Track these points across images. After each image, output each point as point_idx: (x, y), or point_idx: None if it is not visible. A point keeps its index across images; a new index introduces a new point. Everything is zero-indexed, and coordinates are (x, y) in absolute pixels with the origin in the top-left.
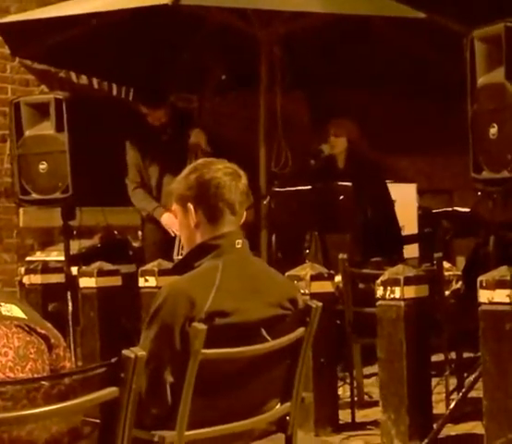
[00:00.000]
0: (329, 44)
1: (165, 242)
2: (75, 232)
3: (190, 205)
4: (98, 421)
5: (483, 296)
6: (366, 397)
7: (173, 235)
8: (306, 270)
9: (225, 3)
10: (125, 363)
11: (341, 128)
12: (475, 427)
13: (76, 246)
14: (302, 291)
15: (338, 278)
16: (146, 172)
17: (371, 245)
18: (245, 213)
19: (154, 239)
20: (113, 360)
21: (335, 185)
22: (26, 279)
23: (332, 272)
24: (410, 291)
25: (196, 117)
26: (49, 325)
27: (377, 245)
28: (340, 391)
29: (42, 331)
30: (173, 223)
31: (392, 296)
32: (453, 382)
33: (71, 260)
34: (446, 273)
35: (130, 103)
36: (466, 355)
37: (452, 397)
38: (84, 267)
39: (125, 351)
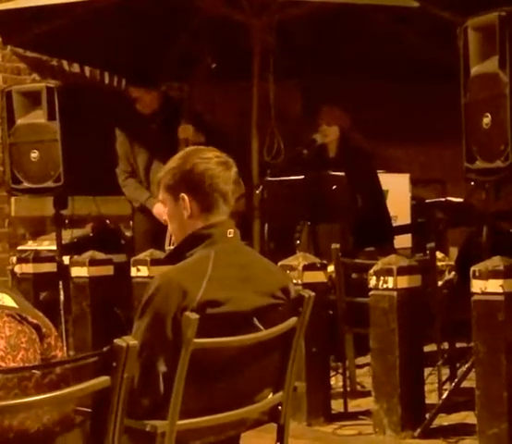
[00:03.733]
0: (322, 33)
1: (155, 232)
2: (67, 221)
3: (185, 196)
4: (90, 410)
5: (476, 286)
6: (358, 387)
7: (165, 224)
8: (298, 260)
9: None
10: (117, 352)
11: (333, 116)
12: (467, 417)
13: (68, 235)
14: (295, 281)
15: (331, 268)
16: (135, 161)
17: (361, 234)
18: (235, 201)
19: (144, 228)
20: (105, 349)
21: (328, 174)
22: (18, 269)
23: (324, 262)
24: (403, 281)
25: (186, 105)
26: (40, 314)
27: (367, 234)
28: (333, 381)
29: (34, 320)
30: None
31: (385, 286)
32: (445, 372)
33: (63, 249)
34: (439, 263)
35: (122, 91)
36: (458, 345)
37: (444, 387)
38: (76, 257)
39: (117, 341)
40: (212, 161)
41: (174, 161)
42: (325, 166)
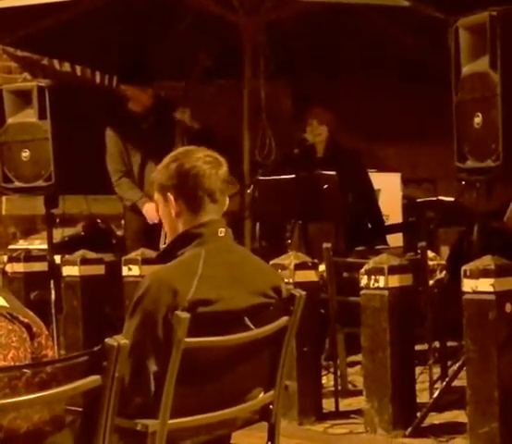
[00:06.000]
0: (313, 33)
1: (146, 231)
2: (58, 220)
3: (170, 195)
4: (80, 409)
5: (467, 285)
6: (350, 386)
7: (151, 223)
8: (290, 259)
9: None
10: (107, 351)
11: (322, 116)
12: (458, 416)
13: (59, 234)
14: (286, 280)
15: (322, 267)
16: (129, 161)
17: (353, 234)
18: (228, 200)
19: (135, 228)
20: (95, 348)
21: (319, 174)
22: (9, 268)
23: (316, 261)
24: (394, 280)
25: (181, 104)
26: (31, 313)
27: (360, 233)
28: (324, 380)
29: (25, 320)
30: (153, 213)
31: (376, 285)
32: (437, 371)
33: (54, 248)
34: (430, 262)
35: (113, 90)
36: (450, 344)
37: (436, 386)
38: (67, 256)
39: (108, 340)
40: (199, 160)
41: (164, 161)
42: (314, 166)
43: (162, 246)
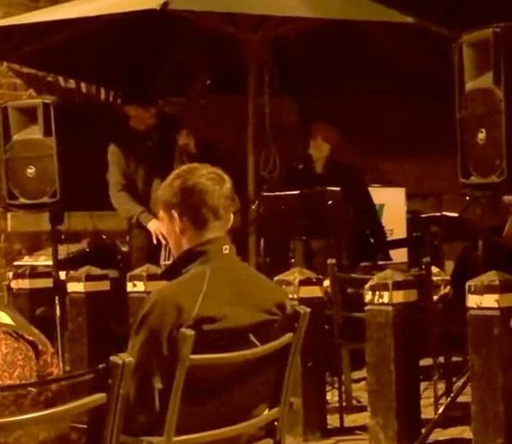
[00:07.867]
0: (317, 49)
1: (151, 248)
2: (63, 237)
3: (174, 212)
4: (86, 427)
5: (472, 301)
6: (354, 402)
7: (155, 242)
8: (294, 275)
9: (213, 7)
10: (113, 369)
11: (327, 132)
12: (464, 432)
13: (64, 251)
14: (291, 296)
15: (327, 283)
16: (132, 177)
17: (356, 249)
18: (232, 217)
19: (140, 244)
20: (100, 366)
21: (324, 190)
22: (14, 284)
23: (320, 277)
24: (399, 296)
25: (182, 120)
26: (37, 331)
27: (362, 249)
28: (329, 396)
29: (30, 338)
30: (160, 229)
31: (380, 301)
32: (441, 386)
33: (59, 265)
34: (435, 278)
35: (118, 107)
36: (454, 359)
37: (440, 401)
38: (72, 272)
39: (112, 358)
40: (202, 177)
41: (169, 178)
42: (314, 182)
43: (162, 263)
